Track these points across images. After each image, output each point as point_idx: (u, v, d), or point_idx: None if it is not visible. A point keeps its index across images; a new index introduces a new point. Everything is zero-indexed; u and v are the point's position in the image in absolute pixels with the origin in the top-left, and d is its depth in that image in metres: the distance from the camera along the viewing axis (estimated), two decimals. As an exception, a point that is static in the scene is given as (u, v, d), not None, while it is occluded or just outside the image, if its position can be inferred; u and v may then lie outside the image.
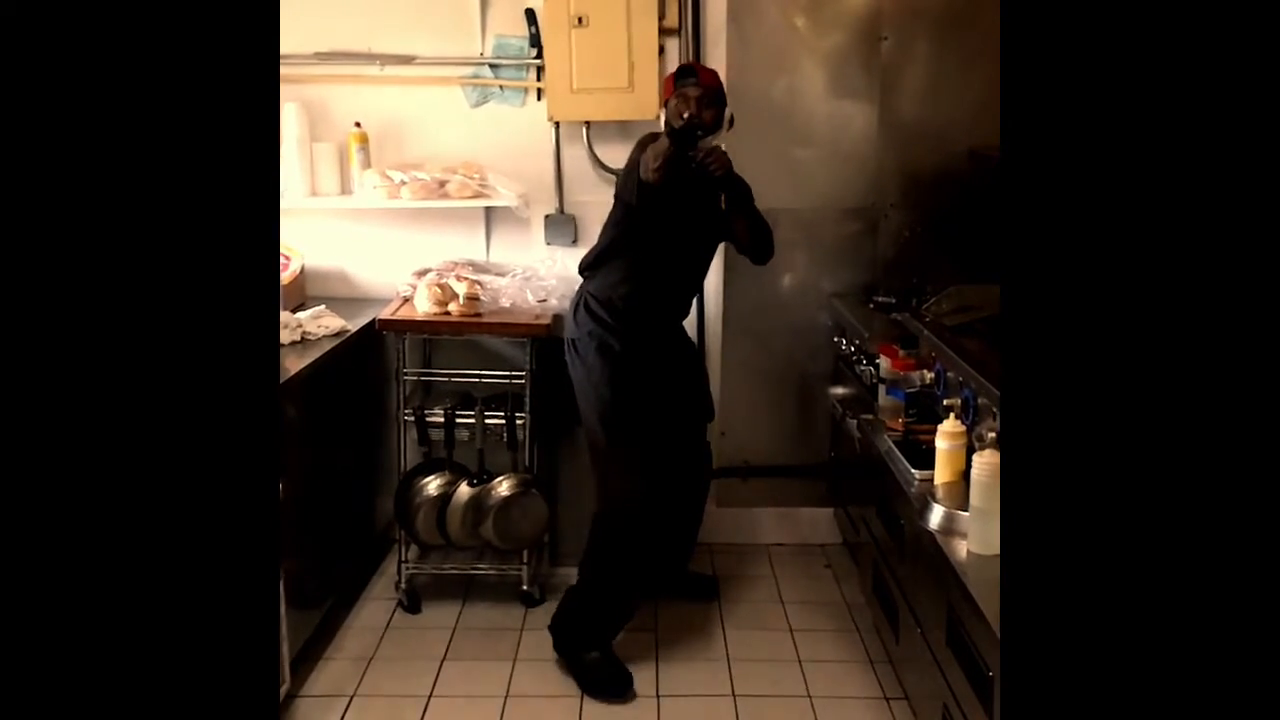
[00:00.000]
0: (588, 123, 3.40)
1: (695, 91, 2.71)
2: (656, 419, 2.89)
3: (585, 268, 2.96)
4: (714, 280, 3.46)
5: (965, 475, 2.21)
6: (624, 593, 2.91)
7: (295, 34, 3.27)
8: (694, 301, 3.22)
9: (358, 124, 3.37)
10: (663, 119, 2.76)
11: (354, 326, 3.12)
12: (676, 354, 3.05)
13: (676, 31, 3.34)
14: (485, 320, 3.12)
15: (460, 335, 3.23)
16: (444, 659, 2.95)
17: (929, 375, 2.73)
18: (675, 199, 2.72)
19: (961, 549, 2.09)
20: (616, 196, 2.89)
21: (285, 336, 2.88)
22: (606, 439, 2.86)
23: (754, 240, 2.93)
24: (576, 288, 3.00)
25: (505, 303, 3.16)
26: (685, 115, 2.63)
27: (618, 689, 2.79)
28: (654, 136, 2.72)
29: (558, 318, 3.17)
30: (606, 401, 2.83)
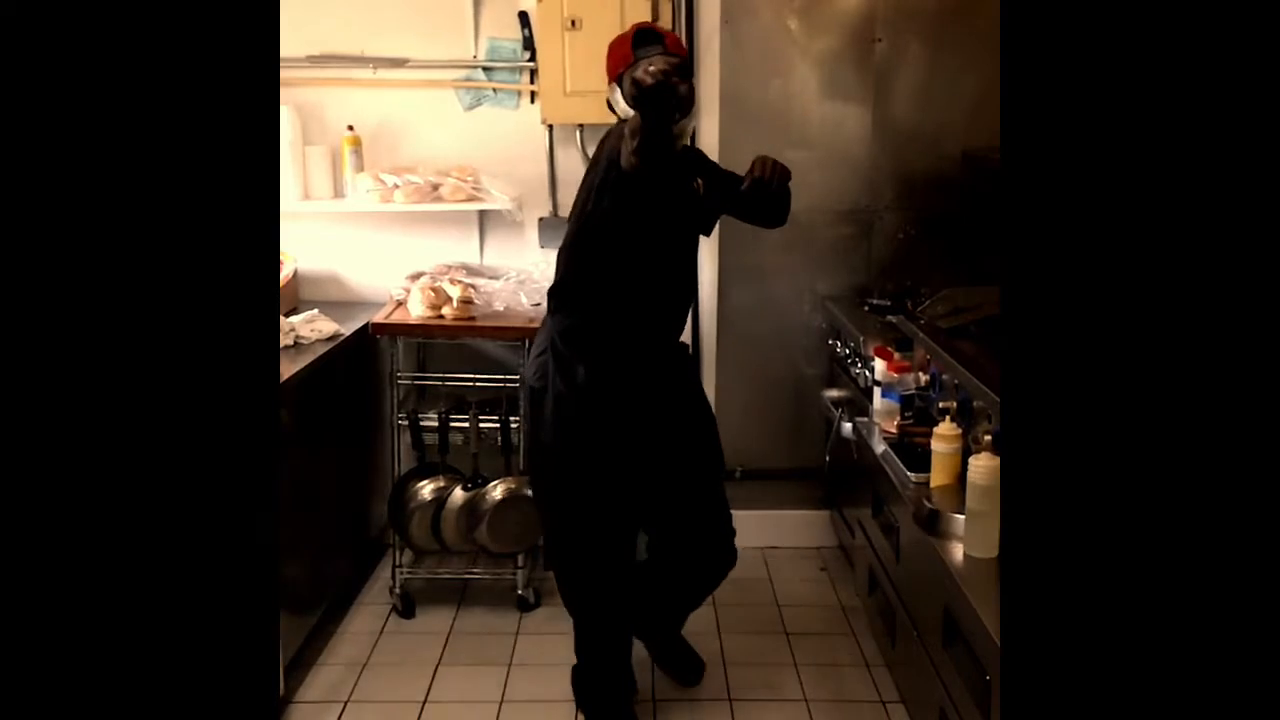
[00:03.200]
0: (581, 125, 3.40)
1: (663, 64, 2.24)
2: (623, 493, 2.49)
3: (550, 299, 2.51)
4: (708, 282, 3.46)
5: (961, 478, 2.21)
6: (605, 648, 2.64)
7: (288, 37, 3.26)
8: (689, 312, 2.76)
9: (350, 127, 3.36)
10: (617, 99, 2.31)
11: (347, 330, 3.11)
12: (667, 399, 2.55)
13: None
14: (479, 324, 3.11)
15: (454, 339, 3.22)
16: (439, 664, 2.94)
17: (924, 378, 2.73)
18: (655, 192, 2.24)
19: (958, 552, 2.09)
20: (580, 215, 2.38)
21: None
22: (550, 506, 2.58)
23: (771, 211, 2.53)
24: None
25: (499, 306, 3.15)
26: (654, 70, 2.18)
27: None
28: (614, 134, 2.25)
29: (552, 321, 3.16)
30: (559, 473, 2.50)
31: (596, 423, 2.42)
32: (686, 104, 2.16)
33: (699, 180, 2.40)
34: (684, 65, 2.29)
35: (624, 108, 2.27)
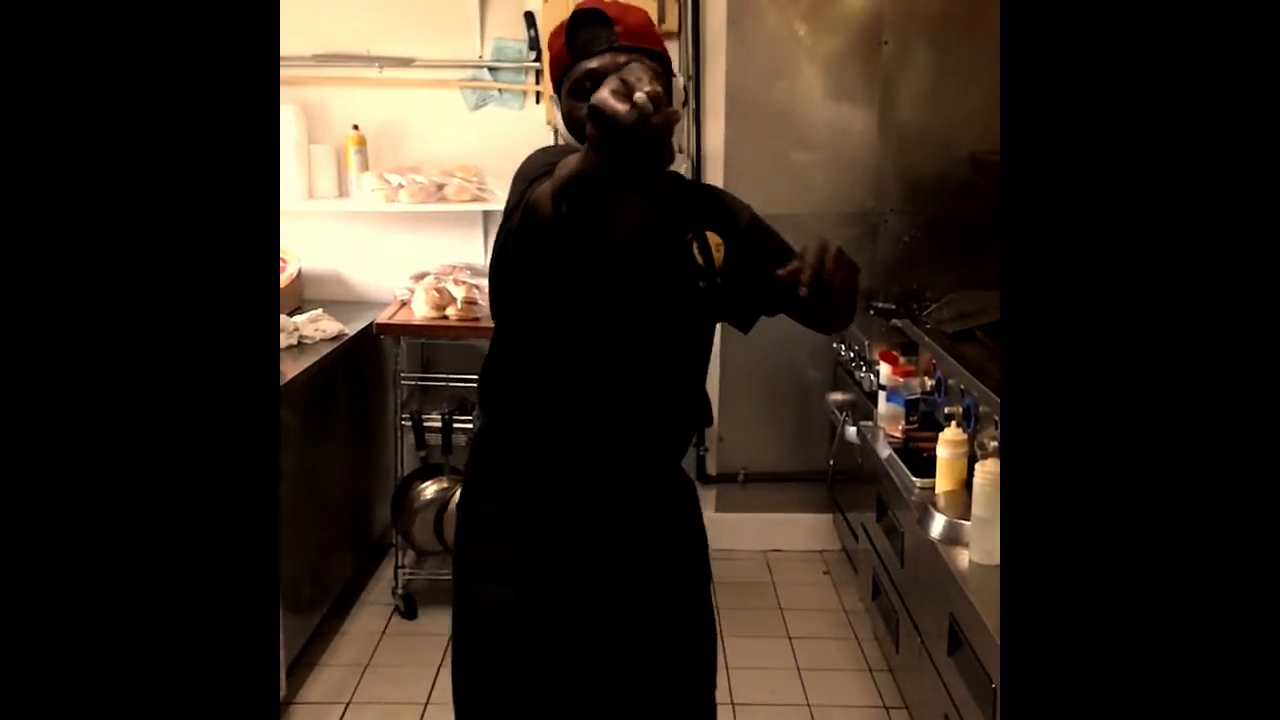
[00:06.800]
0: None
1: (611, 60, 1.41)
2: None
3: (480, 394, 1.71)
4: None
5: (967, 484, 2.20)
6: None
7: (294, 36, 3.25)
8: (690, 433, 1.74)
9: (356, 126, 3.35)
10: (556, 115, 1.52)
11: (351, 330, 3.10)
12: (621, 573, 1.62)
13: (676, 35, 3.33)
14: (483, 324, 3.10)
15: (458, 339, 3.21)
16: (440, 666, 2.93)
17: (929, 382, 2.72)
18: (596, 265, 1.42)
19: (963, 558, 2.08)
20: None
21: (282, 340, 2.87)
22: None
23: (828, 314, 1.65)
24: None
25: (503, 307, 3.14)
26: (647, 90, 0.99)
27: None
28: (549, 159, 1.37)
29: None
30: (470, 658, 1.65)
31: (500, 583, 1.60)
32: (669, 152, 1.04)
33: (696, 240, 1.56)
34: (653, 55, 1.46)
35: (565, 132, 1.50)
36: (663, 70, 1.49)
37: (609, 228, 1.21)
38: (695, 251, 1.56)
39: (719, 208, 1.66)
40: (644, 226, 1.25)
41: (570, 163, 1.16)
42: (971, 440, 2.33)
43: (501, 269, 1.51)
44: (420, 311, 3.12)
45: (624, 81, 1.02)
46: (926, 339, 2.75)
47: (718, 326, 1.73)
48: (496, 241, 1.49)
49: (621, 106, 1.00)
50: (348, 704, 2.75)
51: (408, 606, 3.19)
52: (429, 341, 3.32)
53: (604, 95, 1.02)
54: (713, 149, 3.44)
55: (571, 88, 1.46)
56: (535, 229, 1.30)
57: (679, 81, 1.54)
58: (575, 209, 1.17)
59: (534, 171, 1.38)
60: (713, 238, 1.57)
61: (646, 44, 1.46)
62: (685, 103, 1.59)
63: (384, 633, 3.10)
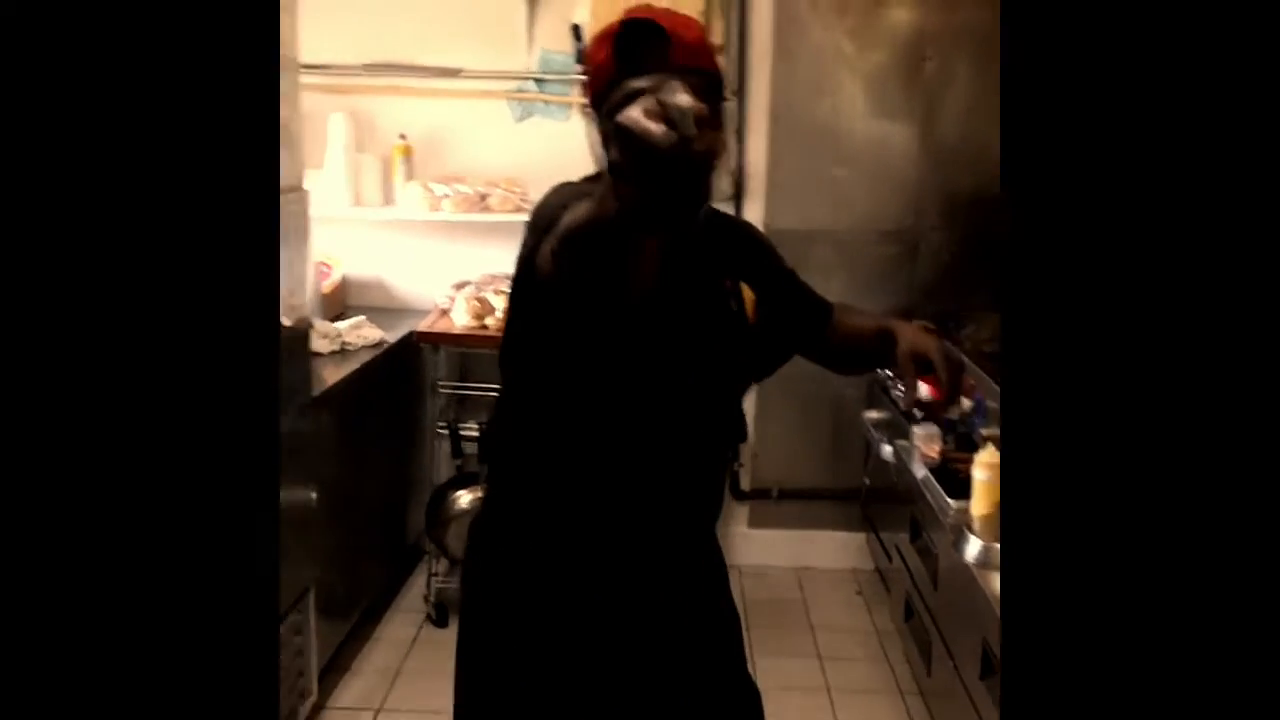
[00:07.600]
0: (629, 140, 3.40)
1: (685, 95, 0.90)
2: None
3: (486, 447, 1.53)
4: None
5: (1003, 507, 2.18)
6: None
7: (344, 45, 3.31)
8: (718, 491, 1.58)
9: (402, 136, 3.40)
10: (592, 136, 1.23)
11: (392, 338, 3.13)
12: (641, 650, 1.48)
13: (723, 49, 3.34)
14: (522, 335, 3.12)
15: (496, 349, 3.22)
16: (471, 673, 2.95)
17: (967, 403, 2.70)
18: (614, 319, 1.25)
19: (997, 583, 2.06)
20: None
21: (324, 346, 2.91)
22: None
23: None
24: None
25: (542, 318, 3.16)
26: (692, 105, 0.88)
27: None
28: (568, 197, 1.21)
29: (594, 334, 3.16)
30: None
31: (505, 655, 1.53)
32: (708, 188, 0.97)
33: (733, 290, 1.43)
34: (708, 77, 1.27)
35: (600, 157, 1.16)
36: (714, 93, 1.29)
37: (620, 286, 1.03)
38: (731, 301, 1.43)
39: (753, 248, 1.56)
40: (670, 274, 1.08)
41: (580, 210, 1.01)
42: (1009, 463, 2.30)
43: (513, 326, 1.42)
44: (460, 320, 3.15)
45: (660, 101, 0.88)
46: (964, 359, 2.73)
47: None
48: (510, 297, 1.40)
49: (656, 127, 0.87)
50: (379, 710, 2.77)
51: (440, 614, 3.21)
52: (468, 351, 3.34)
53: (635, 114, 0.89)
54: (755, 164, 3.44)
55: (613, 107, 1.19)
56: (536, 290, 1.21)
57: (730, 106, 1.42)
58: (579, 266, 1.03)
59: (546, 218, 1.21)
60: (745, 291, 1.46)
61: (703, 64, 1.28)
62: (733, 130, 1.34)
63: (415, 640, 3.12)
